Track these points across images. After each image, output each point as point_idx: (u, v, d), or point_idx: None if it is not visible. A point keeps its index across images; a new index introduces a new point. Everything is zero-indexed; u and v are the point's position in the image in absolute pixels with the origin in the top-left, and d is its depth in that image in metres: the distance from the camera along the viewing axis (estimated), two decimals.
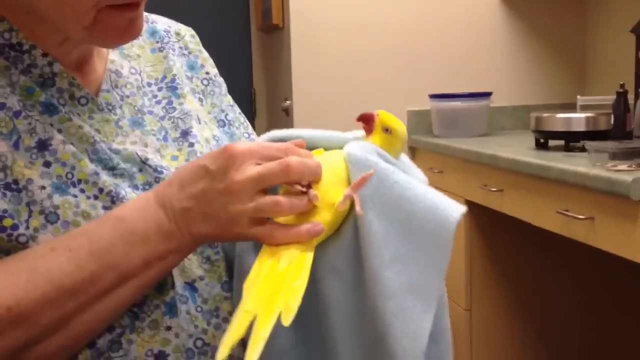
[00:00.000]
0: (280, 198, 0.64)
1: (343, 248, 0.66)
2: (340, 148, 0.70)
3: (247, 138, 0.89)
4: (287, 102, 2.83)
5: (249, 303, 0.59)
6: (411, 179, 0.66)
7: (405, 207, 0.64)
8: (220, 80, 0.91)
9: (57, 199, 0.67)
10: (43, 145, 0.69)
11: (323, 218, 0.65)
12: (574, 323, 2.44)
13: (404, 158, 0.74)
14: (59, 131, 0.71)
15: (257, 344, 0.57)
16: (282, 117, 2.93)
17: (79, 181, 0.69)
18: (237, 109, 0.91)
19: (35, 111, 0.70)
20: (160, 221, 0.66)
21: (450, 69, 2.83)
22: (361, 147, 0.68)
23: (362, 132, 0.73)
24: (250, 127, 0.92)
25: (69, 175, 0.69)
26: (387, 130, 0.71)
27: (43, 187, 0.67)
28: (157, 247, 0.66)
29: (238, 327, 0.58)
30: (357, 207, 0.64)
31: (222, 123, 0.87)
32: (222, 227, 0.65)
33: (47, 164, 0.69)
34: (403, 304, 0.62)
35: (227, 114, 0.88)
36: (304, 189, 0.66)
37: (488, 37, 2.86)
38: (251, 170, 0.64)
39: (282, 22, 2.83)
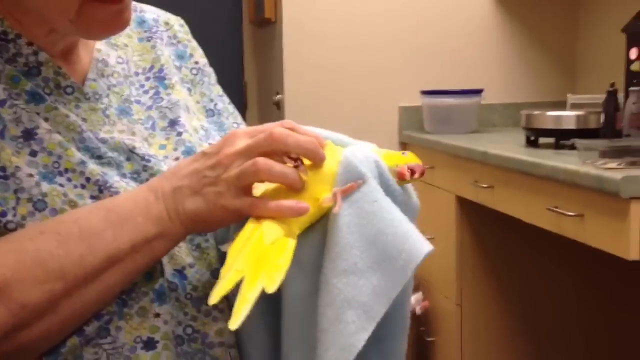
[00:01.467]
0: (259, 157, 0.65)
1: (312, 244, 0.67)
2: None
3: (237, 128, 0.89)
4: (278, 95, 2.83)
5: (240, 263, 0.61)
6: (392, 206, 0.65)
7: (378, 226, 0.63)
8: (210, 70, 0.91)
9: (45, 186, 0.67)
10: (29, 135, 0.69)
11: None
12: (563, 318, 2.45)
13: (409, 187, 0.72)
14: (45, 120, 0.71)
15: (243, 305, 0.58)
16: (274, 110, 2.93)
17: (66, 170, 0.69)
18: (227, 99, 0.91)
19: (21, 100, 0.70)
20: (148, 204, 0.67)
21: (442, 65, 2.83)
22: (364, 155, 0.67)
23: (370, 145, 0.71)
24: (239, 117, 0.92)
25: (56, 165, 0.69)
26: (412, 173, 0.68)
27: (31, 175, 0.67)
28: (144, 231, 0.66)
29: (228, 282, 0.60)
30: (336, 208, 0.64)
31: (211, 113, 0.87)
32: (208, 201, 0.66)
33: (33, 153, 0.68)
34: (342, 316, 0.62)
35: (216, 104, 0.88)
36: (295, 162, 0.66)
37: (480, 35, 2.86)
38: (240, 143, 0.66)
39: (274, 16, 2.83)
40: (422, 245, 0.63)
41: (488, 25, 2.87)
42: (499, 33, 2.88)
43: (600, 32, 2.78)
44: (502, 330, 2.43)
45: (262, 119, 3.30)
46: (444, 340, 2.50)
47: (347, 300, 0.62)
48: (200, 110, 0.86)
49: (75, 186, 0.69)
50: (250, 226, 0.65)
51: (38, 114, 0.70)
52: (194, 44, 0.90)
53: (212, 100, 0.88)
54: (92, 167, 0.70)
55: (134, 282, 0.69)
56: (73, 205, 0.68)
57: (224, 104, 0.90)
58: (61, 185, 0.68)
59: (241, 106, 3.29)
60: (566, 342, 2.46)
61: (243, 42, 3.32)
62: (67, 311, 0.65)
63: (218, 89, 0.91)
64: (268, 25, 2.99)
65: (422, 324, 2.56)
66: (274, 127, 0.66)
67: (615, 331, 2.47)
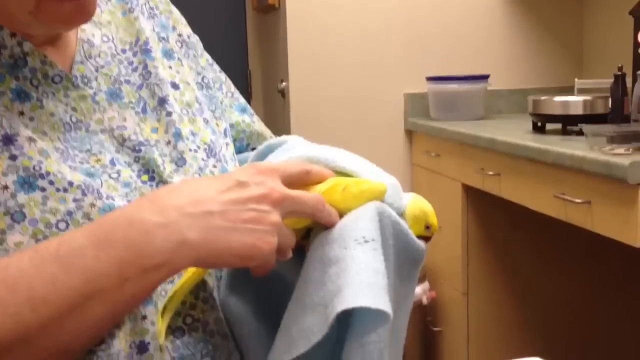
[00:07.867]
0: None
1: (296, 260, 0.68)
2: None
3: (230, 97, 0.89)
4: (283, 83, 2.81)
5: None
6: (363, 258, 0.64)
7: (336, 272, 0.64)
8: (194, 40, 0.88)
9: (22, 197, 0.65)
10: (8, 140, 0.67)
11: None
12: (570, 306, 2.44)
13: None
14: (31, 119, 0.69)
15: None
16: (278, 98, 2.92)
17: (47, 173, 0.66)
18: (217, 67, 0.89)
19: (5, 99, 0.68)
20: (148, 229, 0.60)
21: (448, 51, 2.81)
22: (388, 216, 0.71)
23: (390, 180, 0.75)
24: (232, 85, 0.90)
25: (37, 167, 0.66)
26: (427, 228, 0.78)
27: (5, 187, 0.65)
28: (139, 259, 0.59)
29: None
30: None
31: (200, 86, 0.86)
32: (253, 236, 0.62)
33: (13, 157, 0.66)
34: (277, 339, 0.64)
35: (203, 77, 0.87)
36: None
37: (485, 20, 2.84)
38: (283, 188, 0.65)
39: (277, 2, 2.81)
40: (343, 301, 0.60)
41: (493, 10, 2.84)
42: (504, 18, 2.85)
43: (606, 15, 2.75)
44: (508, 320, 2.42)
45: (267, 107, 3.29)
46: (450, 330, 2.50)
47: (285, 326, 0.64)
48: (193, 83, 0.84)
49: (58, 189, 0.66)
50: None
51: (23, 113, 0.69)
52: (176, 14, 0.88)
53: (199, 74, 0.86)
54: (74, 172, 0.68)
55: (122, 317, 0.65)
56: (55, 212, 0.65)
57: (215, 73, 0.88)
58: (42, 189, 0.66)
59: (246, 95, 3.28)
60: (573, 331, 2.45)
61: (247, 29, 3.30)
62: (47, 343, 0.58)
63: (206, 58, 0.88)
64: (271, 12, 2.97)
65: (428, 314, 2.56)
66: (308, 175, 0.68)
67: (625, 319, 2.46)
